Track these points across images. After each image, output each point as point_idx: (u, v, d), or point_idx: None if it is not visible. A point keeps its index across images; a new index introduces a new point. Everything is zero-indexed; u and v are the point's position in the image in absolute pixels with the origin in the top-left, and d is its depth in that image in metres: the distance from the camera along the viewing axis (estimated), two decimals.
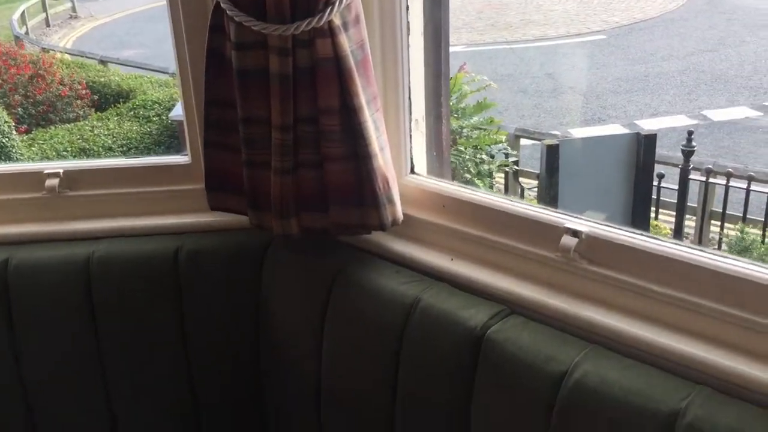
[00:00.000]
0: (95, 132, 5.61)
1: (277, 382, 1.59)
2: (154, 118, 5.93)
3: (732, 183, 4.47)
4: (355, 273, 1.47)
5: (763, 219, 4.44)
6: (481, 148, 3.86)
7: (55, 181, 1.64)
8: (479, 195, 1.48)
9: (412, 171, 1.59)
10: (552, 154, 3.90)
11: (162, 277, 1.56)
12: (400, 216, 1.46)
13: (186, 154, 1.69)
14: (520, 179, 4.97)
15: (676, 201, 4.60)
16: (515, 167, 4.37)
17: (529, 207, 1.42)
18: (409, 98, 1.55)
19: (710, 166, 4.54)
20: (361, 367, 1.42)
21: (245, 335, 1.60)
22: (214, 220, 1.64)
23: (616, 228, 1.31)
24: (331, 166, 1.42)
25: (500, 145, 4.07)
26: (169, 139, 5.76)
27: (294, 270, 1.55)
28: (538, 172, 4.47)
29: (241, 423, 1.64)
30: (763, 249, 4.11)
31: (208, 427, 1.63)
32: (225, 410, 1.63)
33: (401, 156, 1.55)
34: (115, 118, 5.93)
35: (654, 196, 4.67)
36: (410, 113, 1.56)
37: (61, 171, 1.65)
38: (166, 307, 1.57)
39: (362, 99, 1.36)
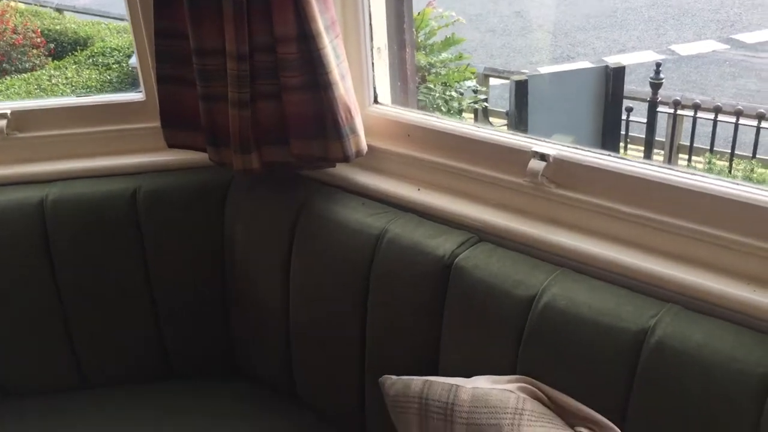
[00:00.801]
0: (53, 81, 5.43)
1: (246, 318, 1.57)
2: (114, 66, 5.76)
3: (700, 114, 4.47)
4: (320, 207, 1.44)
5: (729, 150, 4.48)
6: (450, 85, 3.80)
7: (2, 123, 1.57)
8: (444, 123, 1.45)
9: (376, 101, 1.54)
10: (521, 89, 3.86)
11: (121, 219, 1.51)
12: (364, 147, 1.42)
13: (140, 91, 1.63)
14: (490, 119, 4.94)
15: (644, 135, 4.60)
16: (485, 104, 4.32)
17: (496, 132, 1.39)
18: (370, 24, 1.49)
19: (678, 98, 4.53)
20: (329, 300, 1.40)
21: (210, 274, 1.56)
22: (172, 158, 1.59)
23: (583, 150, 1.29)
24: (290, 97, 1.36)
25: (469, 82, 4.01)
26: (131, 87, 5.60)
27: (258, 206, 1.51)
28: (507, 110, 4.44)
29: (210, 361, 1.62)
30: (730, 178, 4.15)
31: (177, 367, 1.61)
32: (194, 349, 1.60)
33: (363, 85, 1.50)
34: (73, 67, 5.74)
35: (623, 131, 4.67)
36: (371, 41, 1.51)
37: (8, 111, 1.57)
38: (126, 249, 1.53)
39: (320, 24, 1.30)
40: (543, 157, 1.29)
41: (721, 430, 0.99)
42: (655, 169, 1.21)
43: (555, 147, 1.30)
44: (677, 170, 1.19)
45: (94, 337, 1.56)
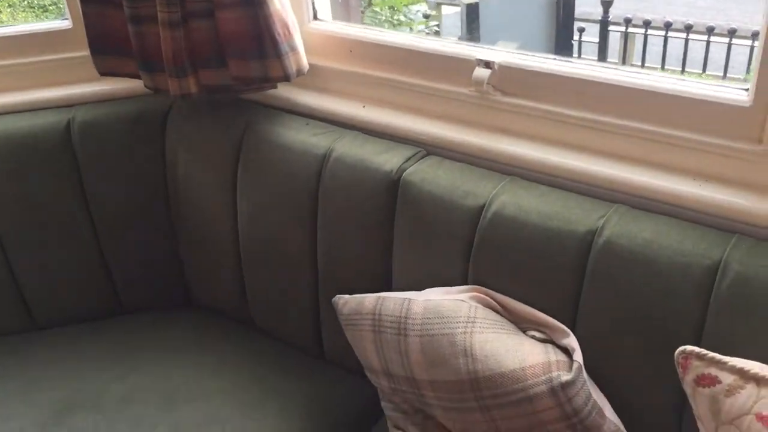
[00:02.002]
0: None
1: (195, 247, 1.53)
2: (51, 8, 5.50)
3: (651, 32, 4.47)
4: (263, 129, 1.39)
5: (680, 68, 4.50)
6: (398, 9, 3.71)
7: None
8: (387, 36, 1.40)
9: (315, 17, 1.48)
10: (472, 13, 3.79)
11: (56, 153, 1.45)
12: (305, 65, 1.37)
13: (66, 18, 1.54)
14: None
15: (596, 56, 4.60)
16: (436, 29, 4.24)
17: (439, 42, 1.35)
18: None
19: (629, 16, 4.51)
20: (278, 222, 1.37)
21: (155, 204, 1.52)
22: (106, 88, 1.52)
23: (527, 55, 1.26)
24: (224, 14, 1.30)
25: (419, 6, 3.92)
26: None
27: (199, 133, 1.46)
28: (459, 36, 4.37)
29: (163, 293, 1.59)
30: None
31: (128, 302, 1.57)
32: (143, 282, 1.57)
33: (302, 1, 1.44)
34: (8, 10, 5.47)
35: (575, 54, 4.65)
36: None
37: None
38: (64, 184, 1.46)
39: None
40: (488, 64, 1.25)
41: (670, 323, 1.01)
42: (598, 70, 1.19)
43: (499, 54, 1.27)
44: (621, 70, 1.18)
45: (40, 276, 1.51)
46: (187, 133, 1.47)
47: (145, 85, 1.42)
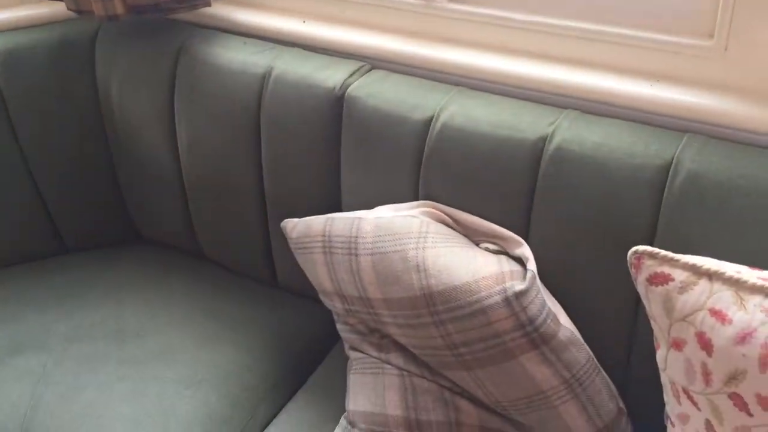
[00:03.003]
0: None
1: (136, 180, 1.46)
2: None
3: None
4: (199, 50, 1.31)
5: None
6: None
7: None
8: None
9: None
10: None
11: None
12: None
13: None
14: None
15: None
16: None
17: None
18: None
19: None
20: (221, 148, 1.31)
21: (89, 136, 1.44)
22: (27, 13, 1.41)
23: None
24: None
25: None
26: None
27: (130, 57, 1.37)
28: None
29: (106, 229, 1.53)
30: None
31: (71, 240, 1.51)
32: (85, 218, 1.50)
33: None
34: None
35: None
36: None
37: None
38: None
39: None
40: None
41: (623, 226, 0.99)
42: None
43: None
44: None
45: None
46: (117, 59, 1.38)
47: (68, 8, 1.33)
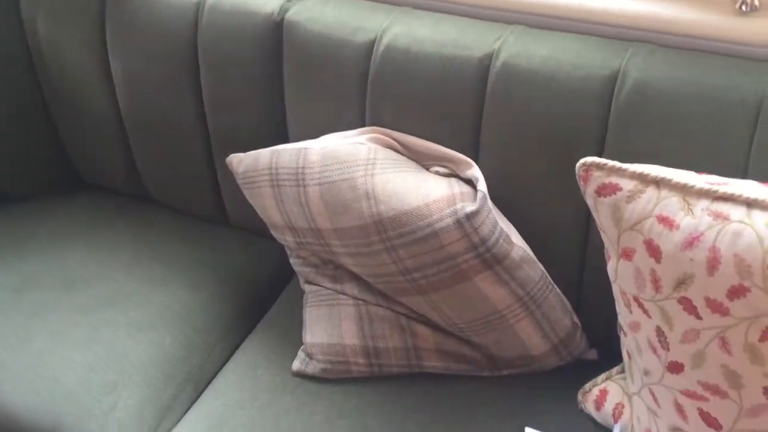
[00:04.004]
0: None
1: (74, 122, 1.40)
2: None
3: None
4: None
5: None
6: None
7: None
8: None
9: None
10: None
11: None
12: None
13: None
14: None
15: None
16: None
17: None
18: None
19: None
20: (158, 84, 1.25)
21: (21, 81, 1.37)
22: None
23: None
24: None
25: None
26: None
27: (54, 3, 1.29)
28: None
29: (46, 175, 1.47)
30: None
31: (6, 189, 1.45)
32: (23, 165, 1.44)
33: None
34: None
35: None
36: None
37: None
38: None
39: None
40: None
41: (572, 140, 0.98)
42: None
43: None
44: None
45: None
46: (42, 9, 1.30)
47: None
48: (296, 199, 1.07)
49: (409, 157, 1.09)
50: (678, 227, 0.78)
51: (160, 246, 1.33)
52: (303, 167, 1.06)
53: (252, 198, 1.15)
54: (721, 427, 0.82)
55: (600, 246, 0.99)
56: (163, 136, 1.31)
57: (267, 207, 1.12)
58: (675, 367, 0.83)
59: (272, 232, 1.17)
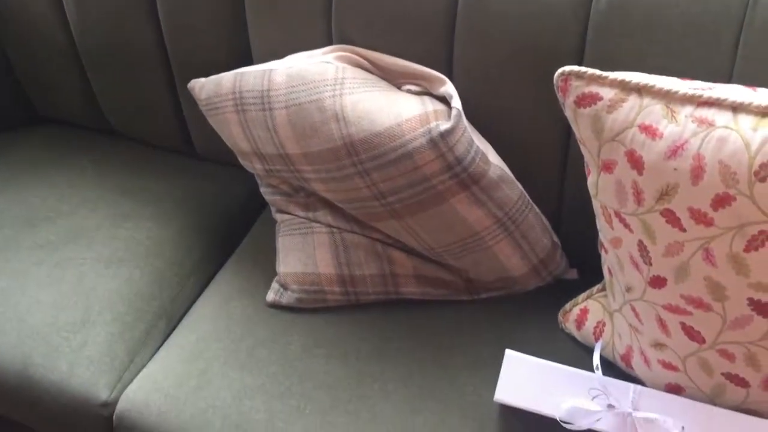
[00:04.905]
0: None
1: (27, 54, 1.33)
2: None
3: None
4: None
5: None
6: None
7: None
8: None
9: None
10: None
11: None
12: None
13: None
14: None
15: None
16: None
17: None
18: None
19: None
20: (112, 11, 1.18)
21: None
22: None
23: None
24: None
25: None
26: None
27: None
28: None
29: (1, 108, 1.41)
30: None
31: None
32: None
33: None
34: None
35: None
36: None
37: None
38: None
39: None
40: None
41: (550, 50, 0.93)
42: None
43: None
44: None
45: None
46: None
47: None
48: (263, 123, 1.02)
49: (379, 76, 1.03)
50: (661, 136, 0.74)
51: (125, 180, 1.27)
52: (268, 90, 1.01)
53: (217, 125, 1.09)
54: (704, 340, 0.81)
55: (580, 162, 0.96)
56: (120, 64, 1.24)
57: (233, 134, 1.07)
58: (657, 282, 0.81)
59: (241, 160, 1.12)
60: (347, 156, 0.96)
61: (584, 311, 0.99)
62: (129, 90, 1.27)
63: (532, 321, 1.04)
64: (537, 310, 1.05)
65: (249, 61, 1.15)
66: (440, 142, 0.92)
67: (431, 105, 0.97)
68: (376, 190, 0.98)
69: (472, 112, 1.00)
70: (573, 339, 1.02)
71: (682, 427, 0.83)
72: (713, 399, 0.85)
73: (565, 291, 1.04)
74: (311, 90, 0.98)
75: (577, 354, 1.00)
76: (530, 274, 1.04)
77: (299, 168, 1.02)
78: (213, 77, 1.08)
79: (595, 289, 1.00)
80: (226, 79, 1.06)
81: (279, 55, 1.09)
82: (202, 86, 1.09)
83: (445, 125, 0.93)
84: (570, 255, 1.07)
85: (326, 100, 0.97)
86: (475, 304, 1.06)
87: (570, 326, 1.01)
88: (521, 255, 1.01)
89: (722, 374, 0.82)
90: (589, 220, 0.92)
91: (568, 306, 1.02)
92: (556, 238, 1.04)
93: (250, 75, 1.03)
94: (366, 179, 0.97)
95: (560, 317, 1.03)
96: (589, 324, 0.98)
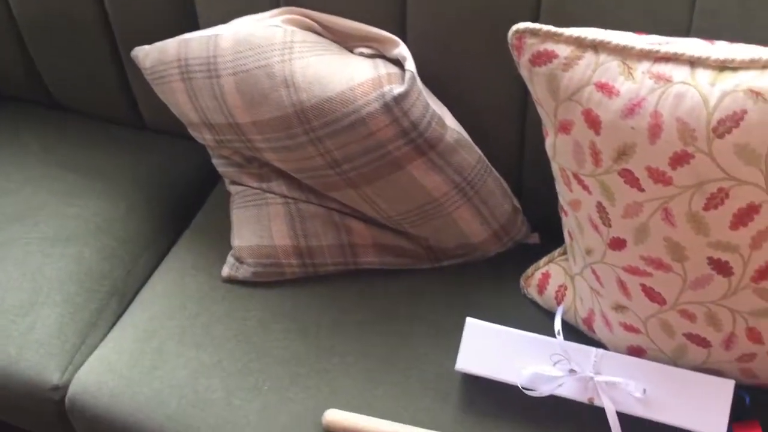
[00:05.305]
0: None
1: None
2: None
3: None
4: None
5: None
6: None
7: None
8: None
9: None
10: None
11: None
12: None
13: None
14: None
15: None
16: None
17: None
18: None
19: None
20: None
21: None
22: None
23: None
24: None
25: None
26: None
27: None
28: None
29: None
30: None
31: None
32: None
33: None
34: None
35: None
36: None
37: None
38: None
39: None
40: None
41: (506, 10, 0.89)
42: None
43: None
44: None
45: None
46: None
47: None
48: (210, 92, 0.97)
49: (330, 39, 0.99)
50: (618, 94, 0.72)
51: (71, 155, 1.22)
52: (214, 56, 0.96)
53: (163, 95, 1.04)
54: (664, 301, 0.79)
55: (539, 124, 0.93)
56: (61, 33, 1.18)
57: (180, 103, 1.03)
58: (617, 244, 0.79)
59: (190, 131, 1.08)
60: (298, 124, 0.93)
61: (546, 276, 0.97)
62: (72, 61, 1.21)
63: (494, 287, 1.02)
64: (499, 276, 1.03)
65: (195, 26, 1.10)
66: (394, 106, 0.89)
67: (384, 68, 0.93)
68: (330, 159, 0.94)
69: (427, 74, 0.96)
70: (536, 304, 1.00)
71: (644, 390, 0.82)
72: (675, 360, 0.84)
73: (527, 256, 1.03)
74: (259, 55, 0.94)
75: (539, 319, 0.98)
76: (491, 240, 1.02)
77: (250, 137, 0.99)
78: (157, 44, 1.03)
79: (556, 252, 0.98)
80: (171, 45, 1.01)
81: (226, 19, 1.04)
82: (146, 54, 1.04)
83: (398, 89, 0.89)
84: (532, 219, 1.05)
85: (275, 65, 0.93)
86: (436, 273, 1.04)
87: (532, 291, 0.99)
88: (481, 221, 0.99)
89: (683, 335, 0.81)
90: (550, 183, 0.90)
91: (529, 271, 1.00)
92: (516, 203, 1.02)
93: (195, 41, 0.99)
94: (319, 147, 0.94)
95: (522, 282, 1.01)
96: (551, 288, 0.96)
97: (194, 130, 1.06)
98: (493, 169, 0.98)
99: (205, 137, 1.06)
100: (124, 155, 1.23)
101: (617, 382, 0.83)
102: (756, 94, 0.66)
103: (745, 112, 0.66)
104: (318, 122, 0.92)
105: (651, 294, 0.80)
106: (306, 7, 0.99)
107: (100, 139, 1.26)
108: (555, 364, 0.86)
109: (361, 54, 0.98)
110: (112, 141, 1.25)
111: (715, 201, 0.70)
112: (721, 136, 0.67)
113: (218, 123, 1.00)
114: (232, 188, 1.10)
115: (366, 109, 0.90)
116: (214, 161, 1.11)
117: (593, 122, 0.74)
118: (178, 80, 1.00)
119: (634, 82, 0.71)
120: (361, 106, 0.90)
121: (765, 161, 0.67)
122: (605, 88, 0.73)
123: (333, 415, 0.89)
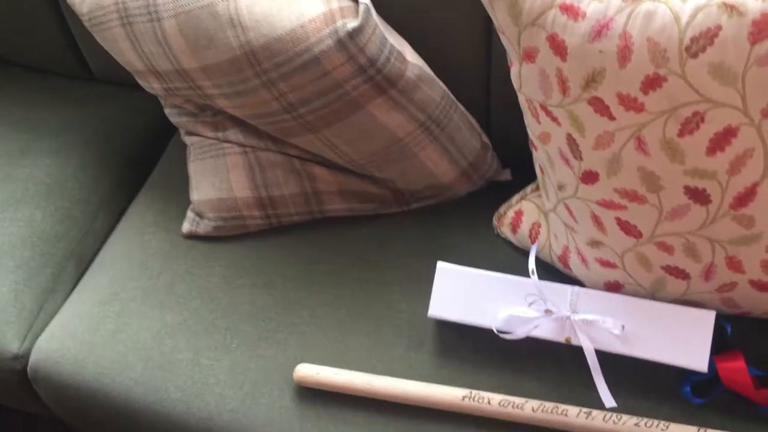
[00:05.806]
0: None
1: None
2: None
3: None
4: None
5: None
6: None
7: None
8: None
9: None
10: None
11: None
12: None
13: None
14: None
15: None
16: None
17: None
18: None
19: None
20: None
21: None
22: None
23: None
24: None
25: None
26: None
27: None
28: None
29: None
30: None
31: None
32: None
33: None
34: None
35: None
36: None
37: None
38: None
39: None
40: None
41: None
42: None
43: None
44: None
45: None
46: None
47: None
48: (153, 37, 0.91)
49: None
50: (584, 15, 0.67)
51: (17, 112, 1.15)
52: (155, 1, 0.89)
53: (105, 42, 0.97)
54: (641, 234, 0.76)
55: (504, 54, 0.88)
56: None
57: (123, 51, 0.96)
58: (589, 177, 0.75)
59: (137, 80, 1.01)
60: (249, 66, 0.87)
61: (519, 214, 0.93)
62: (6, 9, 1.13)
63: (466, 229, 0.98)
64: (471, 217, 0.99)
65: None
66: (349, 42, 0.83)
67: (336, 2, 0.87)
68: (286, 102, 0.89)
69: (383, 6, 0.90)
70: (510, 244, 0.96)
71: (623, 326, 0.80)
72: (653, 294, 0.81)
73: (500, 195, 0.99)
74: None
75: (514, 260, 0.95)
76: (461, 179, 0.97)
77: (200, 84, 0.92)
78: None
79: (528, 189, 0.94)
80: None
81: None
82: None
83: (352, 23, 0.83)
84: (503, 156, 1.00)
85: (219, 4, 0.86)
86: (406, 217, 1.00)
87: (505, 230, 0.96)
88: (449, 159, 0.94)
89: (662, 268, 0.78)
90: (519, 117, 0.85)
91: (502, 209, 0.96)
92: (485, 139, 0.97)
93: None
94: (273, 90, 0.88)
95: (495, 222, 0.97)
96: (525, 226, 0.92)
97: (141, 79, 1.00)
98: (459, 105, 0.93)
99: (153, 86, 0.99)
100: (73, 109, 1.16)
101: (595, 320, 0.80)
102: (730, 8, 0.61)
103: (719, 28, 0.61)
104: (269, 64, 0.86)
105: (626, 227, 0.76)
106: None
107: (47, 93, 1.19)
108: (530, 304, 0.83)
109: None
110: (59, 95, 1.18)
111: (690, 126, 0.66)
112: (694, 55, 0.62)
113: (165, 70, 0.94)
114: (188, 139, 1.05)
115: (319, 46, 0.84)
116: (167, 111, 1.05)
117: (559, 48, 0.68)
118: (117, 26, 0.93)
119: (600, 2, 0.66)
120: (313, 44, 0.84)
121: (742, 80, 0.62)
122: (570, 10, 0.67)
123: (304, 370, 0.86)
